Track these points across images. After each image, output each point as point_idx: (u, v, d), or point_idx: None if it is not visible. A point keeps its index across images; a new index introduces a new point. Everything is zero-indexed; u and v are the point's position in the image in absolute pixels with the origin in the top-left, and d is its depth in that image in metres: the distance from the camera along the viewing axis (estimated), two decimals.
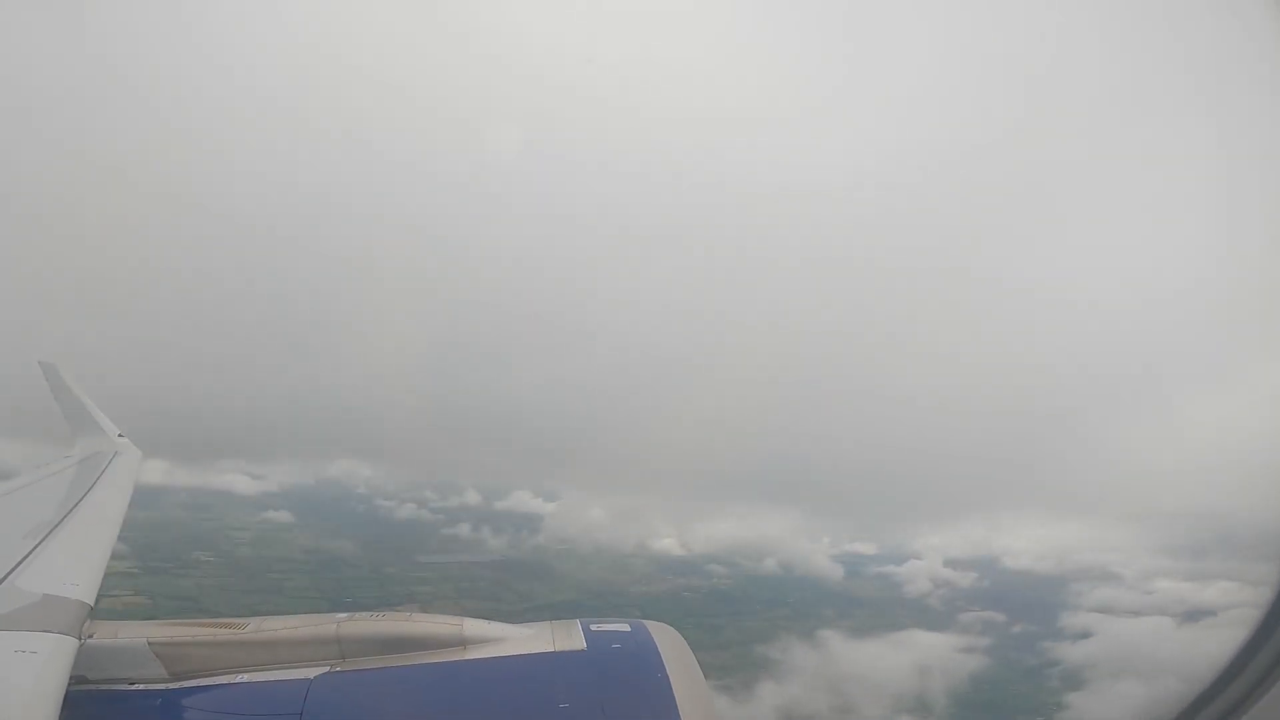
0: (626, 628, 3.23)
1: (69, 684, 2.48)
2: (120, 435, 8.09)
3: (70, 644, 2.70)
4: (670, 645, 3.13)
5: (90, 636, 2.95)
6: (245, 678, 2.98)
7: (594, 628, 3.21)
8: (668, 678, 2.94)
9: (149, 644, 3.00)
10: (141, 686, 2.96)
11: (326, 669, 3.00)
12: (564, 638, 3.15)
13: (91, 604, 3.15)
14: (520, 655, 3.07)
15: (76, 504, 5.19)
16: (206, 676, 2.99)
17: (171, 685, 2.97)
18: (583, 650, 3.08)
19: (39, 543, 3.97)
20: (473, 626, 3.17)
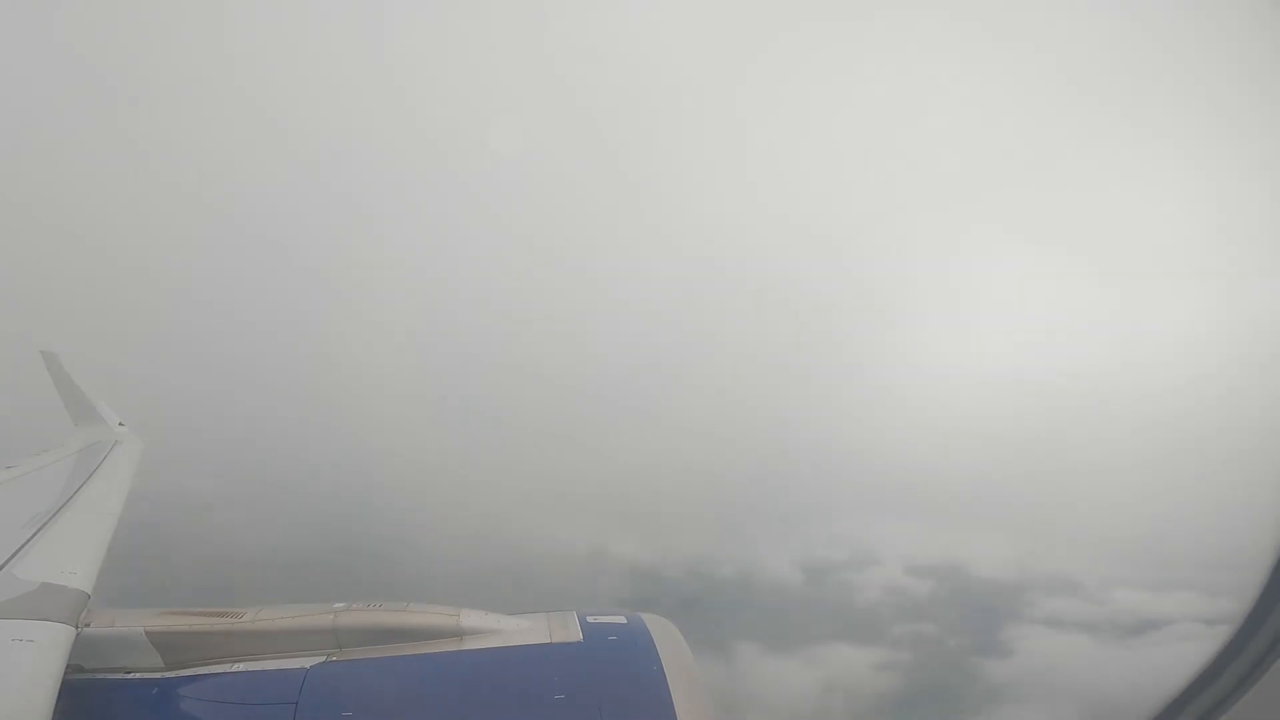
0: (623, 620, 3.23)
1: (66, 672, 2.49)
2: (121, 425, 8.11)
3: (67, 632, 2.71)
4: (666, 638, 3.13)
5: (87, 625, 2.95)
6: (241, 667, 2.98)
7: (590, 620, 3.21)
8: (663, 670, 2.94)
9: (146, 633, 3.00)
10: (138, 675, 2.97)
11: (323, 659, 3.00)
12: (560, 629, 3.15)
13: (89, 593, 3.15)
14: (517, 646, 3.07)
15: (76, 493, 5.19)
16: (203, 665, 2.99)
17: (168, 674, 2.97)
18: (579, 642, 3.08)
19: (38, 531, 3.98)
20: (470, 617, 3.17)
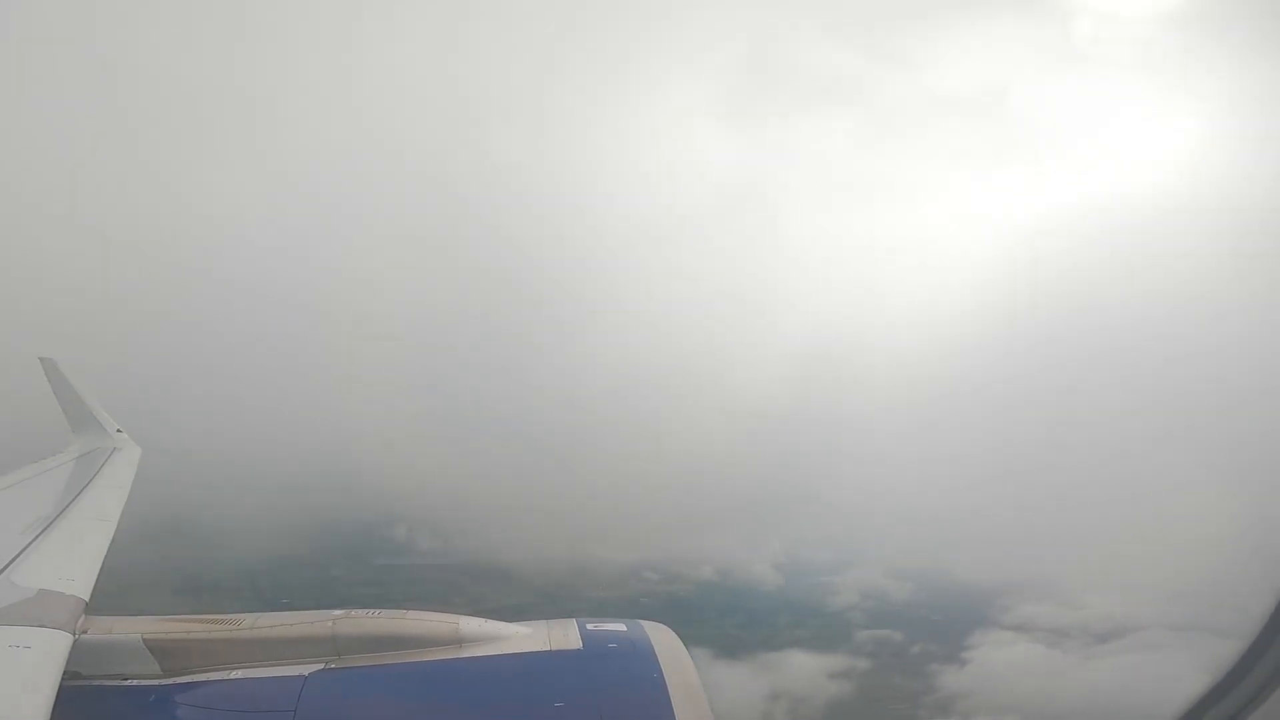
0: (623, 627, 3.22)
1: (63, 679, 2.48)
2: (119, 431, 8.08)
3: (64, 639, 2.70)
4: (666, 645, 3.12)
5: (85, 632, 2.94)
6: (239, 674, 2.97)
7: (590, 627, 3.20)
8: (663, 677, 2.93)
9: (143, 640, 2.99)
10: (135, 682, 2.96)
11: (321, 666, 2.99)
12: (560, 637, 3.14)
13: (87, 599, 3.14)
14: (516, 654, 3.06)
15: (74, 500, 5.18)
16: (200, 673, 2.98)
17: (165, 681, 2.96)
18: (578, 649, 3.07)
19: (35, 538, 3.96)
20: (469, 625, 3.16)
